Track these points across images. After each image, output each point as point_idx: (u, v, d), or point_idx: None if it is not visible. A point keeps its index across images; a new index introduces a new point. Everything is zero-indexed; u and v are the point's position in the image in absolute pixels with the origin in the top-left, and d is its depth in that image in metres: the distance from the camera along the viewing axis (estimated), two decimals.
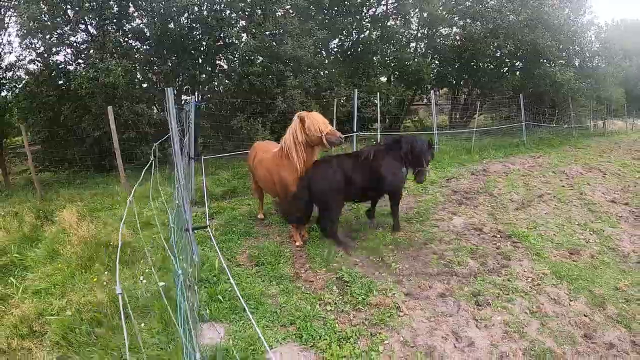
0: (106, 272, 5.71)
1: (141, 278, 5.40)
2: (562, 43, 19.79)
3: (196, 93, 15.67)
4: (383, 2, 18.71)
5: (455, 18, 20.68)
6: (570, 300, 5.26)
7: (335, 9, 16.82)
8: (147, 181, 11.16)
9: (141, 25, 13.99)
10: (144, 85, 14.44)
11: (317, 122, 6.15)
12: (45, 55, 13.46)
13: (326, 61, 17.81)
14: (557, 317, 4.89)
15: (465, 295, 5.26)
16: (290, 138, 6.32)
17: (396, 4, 18.31)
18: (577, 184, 11.26)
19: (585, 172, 12.97)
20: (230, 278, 3.58)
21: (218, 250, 4.49)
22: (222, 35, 13.39)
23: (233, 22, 14.29)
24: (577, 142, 20.57)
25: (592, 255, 6.62)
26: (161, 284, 4.15)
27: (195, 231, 5.71)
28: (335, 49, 18.76)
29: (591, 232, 7.68)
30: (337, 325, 4.62)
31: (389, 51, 18.64)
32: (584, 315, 4.96)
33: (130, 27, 13.98)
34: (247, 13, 14.06)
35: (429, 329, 4.61)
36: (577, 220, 8.32)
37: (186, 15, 13.81)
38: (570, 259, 6.44)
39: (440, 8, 18.18)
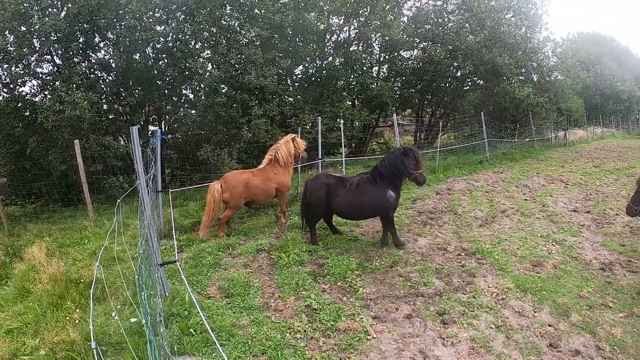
0: (78, 310, 5.65)
1: (114, 314, 5.39)
2: (520, 60, 20.54)
3: (163, 123, 15.65)
4: (345, 28, 19.06)
5: (416, 41, 21.27)
6: (535, 312, 5.45)
7: (299, 36, 17.02)
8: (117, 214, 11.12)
9: (107, 56, 13.98)
10: (111, 117, 14.33)
11: (302, 141, 9.81)
12: (11, 86, 13.29)
13: (291, 88, 17.89)
14: (522, 330, 5.06)
15: (431, 314, 5.40)
16: (286, 152, 9.30)
17: (358, 30, 18.67)
18: (540, 196, 11.61)
19: (548, 184, 13.38)
20: (200, 312, 3.64)
21: (187, 285, 4.53)
22: (187, 65, 13.45)
23: (198, 52, 14.41)
24: (540, 154, 21.22)
25: (555, 266, 6.87)
26: (133, 320, 4.17)
27: (166, 266, 5.75)
28: (300, 76, 18.93)
29: (554, 243, 7.96)
30: (307, 352, 4.68)
31: (352, 76, 18.91)
32: (549, 325, 5.15)
33: (96, 57, 13.94)
34: (211, 43, 14.19)
35: (397, 350, 4.72)
36: (539, 232, 8.60)
37: (152, 45, 13.87)
38: (533, 271, 6.66)
39: (401, 32, 18.63)
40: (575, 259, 7.23)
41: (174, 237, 6.55)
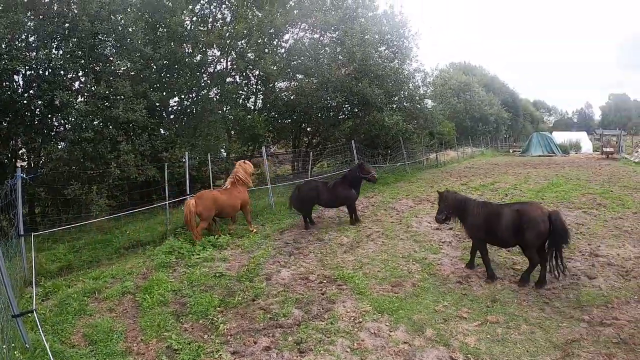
0: None
1: None
2: (391, 90, 21.84)
3: (31, 159, 14.50)
4: (222, 60, 19.09)
5: (291, 73, 21.95)
6: (390, 331, 5.71)
7: (175, 67, 16.71)
8: None
9: None
10: None
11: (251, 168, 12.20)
12: None
13: (164, 121, 17.47)
14: (377, 350, 5.28)
15: (289, 345, 5.48)
16: (244, 174, 11.47)
17: (234, 63, 18.79)
18: (406, 217, 12.21)
19: (415, 205, 14.13)
20: None
21: (42, 335, 4.42)
22: (55, 97, 12.61)
23: (69, 83, 13.69)
24: (411, 176, 22.42)
25: (413, 284, 7.25)
26: None
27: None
28: (175, 108, 18.52)
29: (414, 262, 8.38)
30: None
31: (227, 108, 18.96)
32: (404, 342, 5.42)
33: None
34: (84, 73, 13.50)
35: None
36: (402, 253, 9.03)
37: (22, 73, 12.89)
38: (392, 292, 6.97)
39: (275, 65, 19.01)
40: (433, 275, 7.67)
41: (34, 284, 6.11)
